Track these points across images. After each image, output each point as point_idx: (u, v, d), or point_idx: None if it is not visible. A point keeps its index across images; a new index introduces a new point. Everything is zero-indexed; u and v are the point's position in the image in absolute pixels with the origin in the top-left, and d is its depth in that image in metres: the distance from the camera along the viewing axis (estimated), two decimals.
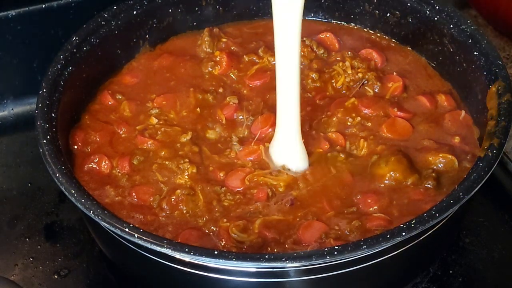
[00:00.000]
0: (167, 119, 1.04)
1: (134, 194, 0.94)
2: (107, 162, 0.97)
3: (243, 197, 0.93)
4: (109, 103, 1.06)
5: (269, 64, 1.11)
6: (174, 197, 0.92)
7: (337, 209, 0.91)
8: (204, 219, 0.91)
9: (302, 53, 1.12)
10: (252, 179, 0.94)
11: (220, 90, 1.08)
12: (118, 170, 0.97)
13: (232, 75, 1.10)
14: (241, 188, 0.94)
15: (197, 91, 1.07)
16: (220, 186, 0.94)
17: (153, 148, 1.00)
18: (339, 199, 0.92)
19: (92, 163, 0.97)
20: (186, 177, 0.95)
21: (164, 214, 0.92)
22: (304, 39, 1.13)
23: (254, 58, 1.12)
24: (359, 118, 1.02)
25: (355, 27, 1.17)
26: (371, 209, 0.91)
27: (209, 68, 1.11)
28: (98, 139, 1.01)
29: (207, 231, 0.89)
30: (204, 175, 0.96)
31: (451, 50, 1.06)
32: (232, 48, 1.14)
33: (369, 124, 1.01)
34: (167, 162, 0.97)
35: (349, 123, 1.01)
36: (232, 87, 1.09)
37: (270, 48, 1.13)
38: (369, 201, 0.91)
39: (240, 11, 1.19)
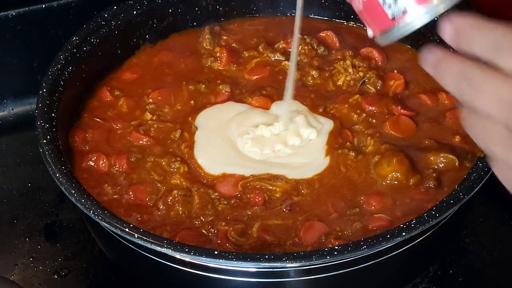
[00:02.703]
0: (161, 114, 1.04)
1: (131, 192, 0.94)
2: (105, 160, 0.98)
3: (239, 201, 0.93)
4: (107, 99, 1.06)
5: (269, 59, 1.12)
6: (171, 198, 0.92)
7: (341, 211, 0.91)
8: (200, 221, 0.91)
9: (303, 51, 1.12)
10: (246, 185, 0.94)
11: (218, 81, 1.08)
12: (116, 168, 0.97)
13: (232, 69, 1.11)
14: (235, 194, 0.94)
15: (189, 83, 1.08)
16: (212, 190, 0.94)
17: (147, 145, 1.00)
18: (343, 201, 0.92)
19: (90, 161, 0.98)
20: (179, 176, 0.95)
21: (160, 214, 0.92)
22: (305, 37, 1.13)
23: (255, 54, 1.12)
24: (364, 115, 1.02)
25: (355, 25, 1.17)
26: (373, 208, 0.91)
27: (209, 63, 1.11)
28: (96, 137, 1.01)
29: (204, 232, 0.89)
30: (196, 175, 0.96)
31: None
32: (232, 45, 1.15)
33: (374, 121, 1.01)
34: (159, 160, 0.97)
35: (355, 119, 1.02)
36: (230, 80, 1.09)
37: (270, 45, 1.14)
38: (372, 202, 0.91)
39: (240, 11, 1.19)
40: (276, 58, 1.12)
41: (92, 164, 0.97)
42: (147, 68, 1.12)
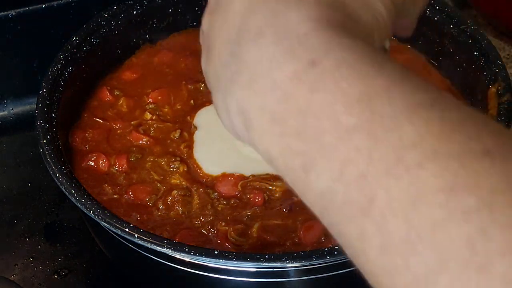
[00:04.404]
0: (161, 114, 1.04)
1: (131, 192, 0.94)
2: (104, 160, 0.98)
3: (239, 201, 0.93)
4: (107, 99, 1.06)
5: None
6: (171, 198, 0.92)
7: None
8: (200, 221, 0.91)
9: None
10: (245, 185, 0.94)
11: None
12: (116, 168, 0.97)
13: None
14: (235, 194, 0.94)
15: (189, 82, 1.08)
16: (212, 190, 0.94)
17: (147, 145, 1.00)
18: None
19: (90, 161, 0.98)
20: (178, 176, 0.95)
21: (159, 213, 0.92)
22: None
23: None
24: None
25: None
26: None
27: None
28: (96, 137, 1.01)
29: (204, 231, 0.89)
30: (196, 175, 0.96)
31: (451, 50, 1.06)
32: None
33: None
34: (159, 160, 0.97)
35: None
36: None
37: None
38: None
39: None
40: None
41: (92, 164, 0.98)
42: (147, 68, 1.12)
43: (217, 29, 0.49)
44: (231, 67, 0.46)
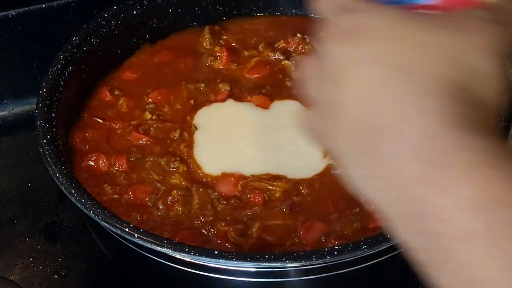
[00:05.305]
0: (161, 114, 1.04)
1: (130, 192, 0.94)
2: (104, 160, 0.98)
3: (239, 201, 0.93)
4: (107, 99, 1.06)
5: (268, 58, 1.12)
6: (170, 198, 0.92)
7: (341, 210, 0.91)
8: (199, 221, 0.91)
9: (303, 51, 1.12)
10: (245, 185, 0.94)
11: (218, 80, 1.08)
12: (116, 168, 0.97)
13: (232, 68, 1.11)
14: (235, 194, 0.94)
15: (189, 82, 1.08)
16: (212, 190, 0.94)
17: (147, 145, 1.00)
18: (344, 200, 0.92)
19: (90, 161, 0.98)
20: (178, 176, 0.95)
21: (159, 213, 0.92)
22: (305, 36, 1.13)
23: (255, 53, 1.12)
24: None
25: None
26: (373, 208, 0.90)
27: (209, 62, 1.11)
28: (96, 137, 1.01)
29: (204, 232, 0.89)
30: (195, 175, 0.96)
31: None
32: (232, 44, 1.15)
33: None
34: (159, 160, 0.97)
35: None
36: (230, 79, 1.09)
37: (270, 44, 1.13)
38: None
39: (240, 10, 1.19)
40: (276, 57, 1.12)
41: (92, 164, 0.98)
42: (147, 68, 1.12)
43: (343, 104, 0.49)
44: (363, 153, 0.47)
